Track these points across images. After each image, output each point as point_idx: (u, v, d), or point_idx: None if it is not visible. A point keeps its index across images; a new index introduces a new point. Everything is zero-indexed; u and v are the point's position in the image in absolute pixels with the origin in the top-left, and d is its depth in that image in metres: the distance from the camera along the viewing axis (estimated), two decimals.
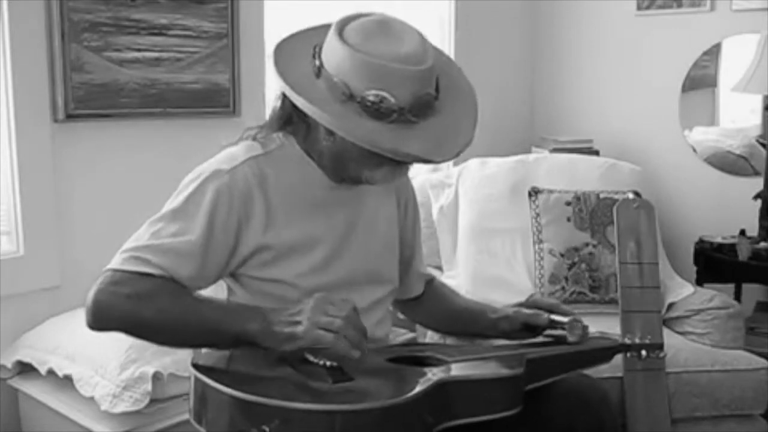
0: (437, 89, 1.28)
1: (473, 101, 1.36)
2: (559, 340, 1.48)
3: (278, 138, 1.39)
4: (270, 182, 1.34)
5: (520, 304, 1.55)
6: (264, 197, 1.33)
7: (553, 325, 1.49)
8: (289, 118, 1.37)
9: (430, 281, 1.71)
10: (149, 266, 1.25)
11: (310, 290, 1.33)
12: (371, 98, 1.21)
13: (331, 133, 1.29)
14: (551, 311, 1.51)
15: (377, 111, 1.22)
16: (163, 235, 1.28)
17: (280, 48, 1.33)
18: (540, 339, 1.52)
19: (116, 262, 1.27)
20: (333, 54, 1.25)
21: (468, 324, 1.62)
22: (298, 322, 1.18)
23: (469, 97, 1.36)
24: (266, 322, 1.20)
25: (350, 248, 1.42)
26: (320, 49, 1.28)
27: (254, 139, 1.39)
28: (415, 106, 1.23)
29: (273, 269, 1.35)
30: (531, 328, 1.53)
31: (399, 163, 1.30)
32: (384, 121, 1.22)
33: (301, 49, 1.31)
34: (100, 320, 1.26)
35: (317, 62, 1.27)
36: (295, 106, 1.29)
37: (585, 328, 1.47)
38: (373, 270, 1.47)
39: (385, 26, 1.27)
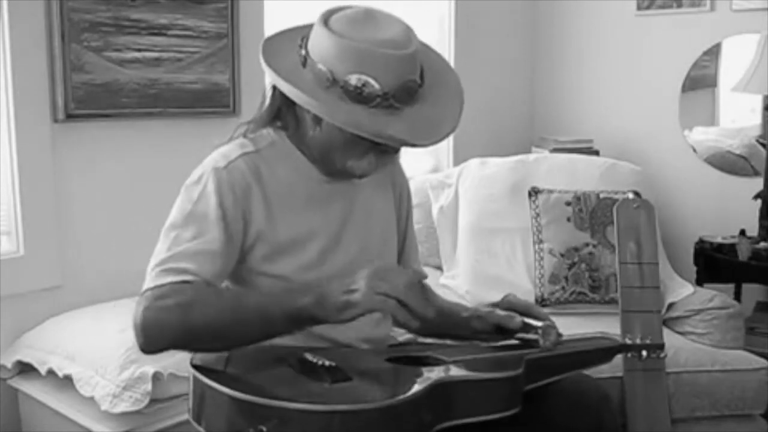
0: (422, 78, 1.30)
1: (459, 91, 1.36)
2: (531, 344, 1.41)
3: (269, 135, 1.41)
4: (265, 177, 1.36)
5: (495, 305, 1.49)
6: (261, 191, 1.35)
7: (526, 328, 1.43)
8: (279, 111, 1.39)
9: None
10: (183, 274, 1.25)
11: None
12: (353, 82, 1.23)
13: (317, 122, 1.31)
14: (526, 313, 1.45)
15: (360, 95, 1.24)
16: (183, 242, 1.28)
17: (268, 42, 1.36)
18: (512, 342, 1.45)
19: (150, 280, 1.26)
20: (318, 42, 1.28)
21: (442, 324, 1.56)
22: (354, 290, 1.18)
23: (454, 87, 1.36)
24: (319, 294, 1.20)
25: (347, 240, 1.43)
26: (306, 40, 1.31)
27: (245, 136, 1.41)
28: (398, 91, 1.25)
29: (273, 265, 1.36)
30: (503, 330, 1.46)
31: (384, 153, 1.32)
32: (367, 106, 1.24)
33: (288, 43, 1.34)
34: (154, 340, 1.24)
35: (303, 52, 1.30)
36: (284, 99, 1.32)
37: (559, 335, 1.41)
38: (372, 262, 1.46)
39: (369, 15, 1.30)
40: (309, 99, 1.24)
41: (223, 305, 1.24)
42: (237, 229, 1.32)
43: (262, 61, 1.31)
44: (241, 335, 1.24)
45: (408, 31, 1.30)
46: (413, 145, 1.27)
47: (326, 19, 1.29)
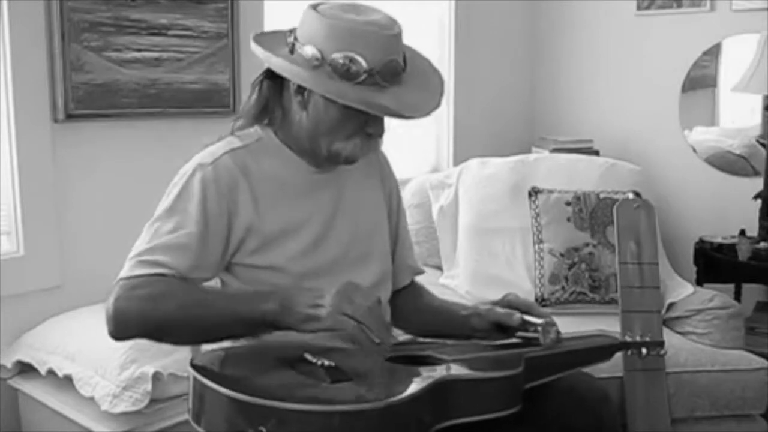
0: (404, 63, 1.36)
1: (439, 78, 1.43)
2: (531, 343, 1.41)
3: (256, 132, 1.44)
4: (252, 172, 1.39)
5: (495, 303, 1.49)
6: (248, 185, 1.38)
7: (526, 326, 1.43)
8: (266, 105, 1.43)
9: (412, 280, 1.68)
10: (157, 266, 1.29)
11: (300, 275, 1.38)
12: (341, 60, 1.29)
13: (304, 107, 1.36)
14: (526, 312, 1.44)
15: (347, 71, 1.29)
16: (162, 234, 1.32)
17: (259, 36, 1.42)
18: (512, 340, 1.45)
19: (125, 270, 1.30)
20: (307, 26, 1.34)
21: (441, 323, 1.57)
22: (320, 306, 1.21)
23: (434, 76, 1.43)
24: (285, 301, 1.23)
25: (338, 228, 1.45)
26: (295, 31, 1.37)
27: (232, 133, 1.44)
28: (383, 69, 1.30)
29: (263, 256, 1.38)
30: (503, 328, 1.46)
31: (369, 136, 1.36)
32: (354, 82, 1.29)
33: (278, 37, 1.39)
34: (122, 328, 1.28)
35: (291, 39, 1.35)
36: (271, 91, 1.39)
37: (559, 332, 1.41)
38: (363, 252, 1.49)
39: (357, 4, 1.36)
40: (299, 70, 1.29)
41: (191, 303, 1.28)
42: (219, 224, 1.35)
43: (252, 43, 1.36)
44: (205, 332, 1.30)
45: (393, 19, 1.36)
46: (401, 116, 1.31)
47: (315, 6, 1.34)
